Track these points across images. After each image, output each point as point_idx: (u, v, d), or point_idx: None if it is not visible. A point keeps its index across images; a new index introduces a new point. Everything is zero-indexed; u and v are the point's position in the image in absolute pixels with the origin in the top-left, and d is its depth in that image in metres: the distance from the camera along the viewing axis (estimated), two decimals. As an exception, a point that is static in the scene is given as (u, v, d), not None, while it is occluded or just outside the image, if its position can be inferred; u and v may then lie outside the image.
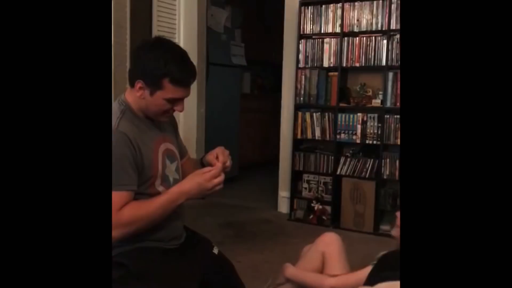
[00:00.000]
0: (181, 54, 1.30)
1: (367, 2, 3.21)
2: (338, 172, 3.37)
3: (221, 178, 1.29)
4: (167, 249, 1.35)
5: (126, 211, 1.21)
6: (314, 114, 3.43)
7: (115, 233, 1.14)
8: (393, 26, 3.12)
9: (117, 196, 1.18)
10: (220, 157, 1.36)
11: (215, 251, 1.49)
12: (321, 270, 1.68)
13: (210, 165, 1.36)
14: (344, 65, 3.32)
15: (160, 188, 1.33)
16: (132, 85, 1.32)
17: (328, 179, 3.42)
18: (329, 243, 1.68)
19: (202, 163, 1.48)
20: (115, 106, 1.32)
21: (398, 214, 1.47)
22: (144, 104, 1.31)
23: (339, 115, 3.33)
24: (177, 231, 1.40)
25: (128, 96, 1.34)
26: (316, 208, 3.41)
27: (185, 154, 1.56)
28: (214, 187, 1.27)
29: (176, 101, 1.31)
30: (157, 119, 1.37)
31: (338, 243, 1.70)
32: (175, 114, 1.42)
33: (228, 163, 1.36)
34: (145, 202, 1.26)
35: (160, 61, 1.24)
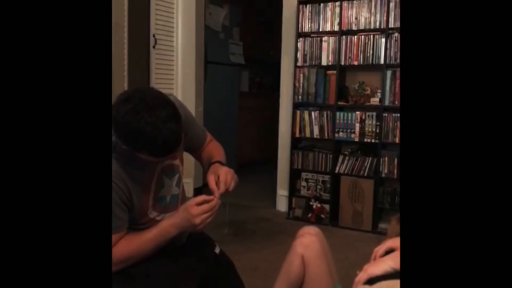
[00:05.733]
0: (161, 118, 1.07)
1: (366, 0, 3.21)
2: (336, 171, 3.37)
3: (211, 213, 1.21)
4: (167, 249, 1.35)
5: (117, 250, 1.19)
6: (313, 112, 3.43)
7: None
8: (392, 24, 3.12)
9: None
10: (220, 184, 1.25)
11: (217, 250, 1.49)
12: (303, 274, 1.52)
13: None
14: (343, 63, 3.32)
15: (153, 214, 1.29)
16: None
17: (327, 177, 3.43)
18: (308, 245, 1.50)
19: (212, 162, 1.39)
20: None
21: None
22: None
23: (338, 113, 3.33)
24: (179, 234, 1.39)
25: None
26: (314, 206, 3.41)
27: (202, 143, 1.46)
28: (202, 223, 1.21)
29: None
30: None
31: (318, 245, 1.51)
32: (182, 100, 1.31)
33: (231, 187, 1.27)
34: (136, 238, 1.24)
35: (135, 136, 1.08)
